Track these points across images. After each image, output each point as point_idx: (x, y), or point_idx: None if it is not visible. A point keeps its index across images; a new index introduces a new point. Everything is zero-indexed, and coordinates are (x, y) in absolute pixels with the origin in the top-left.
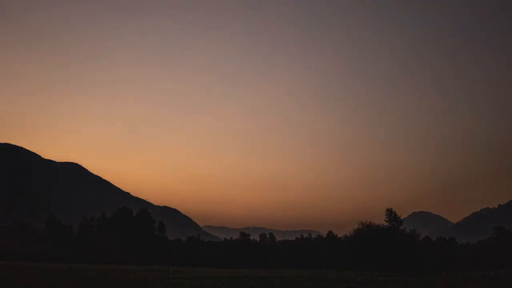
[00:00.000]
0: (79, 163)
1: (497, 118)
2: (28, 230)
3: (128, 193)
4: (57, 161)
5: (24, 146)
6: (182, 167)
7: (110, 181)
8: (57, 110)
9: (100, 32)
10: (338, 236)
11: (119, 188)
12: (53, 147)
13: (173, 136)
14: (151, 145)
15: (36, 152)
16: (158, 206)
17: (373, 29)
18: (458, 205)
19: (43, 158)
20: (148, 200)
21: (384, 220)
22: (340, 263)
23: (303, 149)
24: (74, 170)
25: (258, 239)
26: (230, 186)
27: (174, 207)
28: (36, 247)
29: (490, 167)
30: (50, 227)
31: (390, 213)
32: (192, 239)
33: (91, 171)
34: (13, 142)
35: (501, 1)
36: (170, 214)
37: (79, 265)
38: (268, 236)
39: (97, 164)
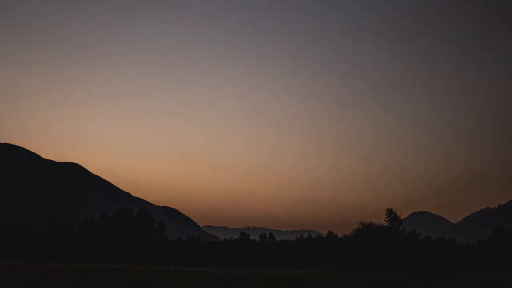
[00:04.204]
0: (79, 163)
1: (496, 118)
2: (28, 230)
3: (128, 193)
4: (57, 161)
5: (24, 146)
6: (183, 167)
7: (110, 181)
8: (57, 110)
9: (100, 33)
10: (338, 236)
11: (119, 188)
12: (53, 147)
13: (173, 136)
14: (151, 145)
15: (36, 152)
16: (158, 206)
17: (376, 30)
18: (458, 205)
19: (43, 158)
20: (148, 200)
21: (384, 220)
22: (340, 263)
23: (306, 150)
24: (74, 170)
25: (258, 239)
26: (230, 186)
27: (174, 207)
28: (36, 247)
29: (490, 167)
30: (50, 227)
31: (390, 213)
32: (192, 239)
33: (91, 171)
34: (13, 142)
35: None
36: (170, 214)
37: (79, 265)
38: (268, 236)
39: (97, 164)
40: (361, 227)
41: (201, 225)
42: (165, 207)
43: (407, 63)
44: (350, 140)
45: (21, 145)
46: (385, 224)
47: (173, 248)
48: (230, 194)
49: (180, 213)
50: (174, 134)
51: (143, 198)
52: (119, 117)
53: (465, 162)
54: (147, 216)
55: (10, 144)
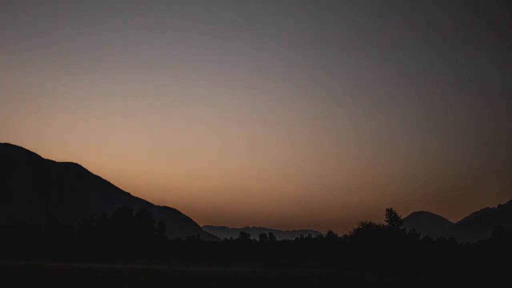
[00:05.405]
0: (79, 163)
1: (497, 118)
2: (28, 230)
3: (128, 193)
4: (57, 161)
5: (24, 146)
6: (183, 167)
7: (110, 181)
8: (57, 110)
9: (100, 33)
10: (338, 236)
11: (119, 188)
12: (53, 147)
13: (173, 136)
14: (151, 145)
15: (36, 152)
16: (158, 206)
17: (376, 31)
18: (458, 205)
19: (43, 158)
20: (148, 200)
21: (384, 220)
22: (340, 263)
23: (306, 150)
24: (74, 170)
25: (258, 239)
26: (230, 186)
27: (174, 207)
28: (36, 247)
29: (490, 167)
30: (50, 227)
31: (390, 213)
32: (192, 239)
33: (91, 171)
34: (13, 142)
35: None
36: (170, 214)
37: (79, 265)
38: (268, 236)
39: (97, 164)
40: (361, 227)
41: (201, 225)
42: (165, 207)
43: (407, 63)
44: (350, 140)
45: (21, 145)
46: (385, 224)
47: (173, 248)
48: (230, 194)
49: (180, 213)
50: (175, 134)
51: (143, 198)
52: (119, 117)
53: (465, 162)
54: (147, 216)
55: (10, 144)
